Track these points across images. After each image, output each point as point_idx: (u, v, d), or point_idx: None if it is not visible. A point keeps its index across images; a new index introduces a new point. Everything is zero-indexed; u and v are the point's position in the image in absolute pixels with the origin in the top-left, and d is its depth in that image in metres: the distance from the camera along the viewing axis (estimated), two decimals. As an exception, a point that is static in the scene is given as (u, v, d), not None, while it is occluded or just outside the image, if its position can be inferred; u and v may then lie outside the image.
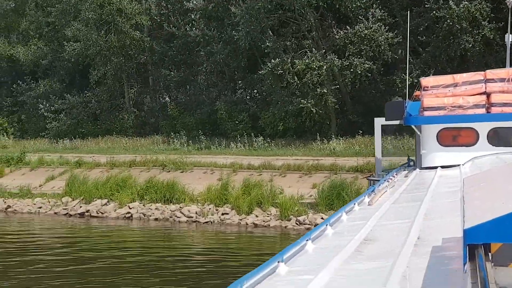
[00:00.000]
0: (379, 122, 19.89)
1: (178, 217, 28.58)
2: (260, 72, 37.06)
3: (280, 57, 35.40)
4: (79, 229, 28.51)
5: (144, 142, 41.67)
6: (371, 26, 34.24)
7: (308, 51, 35.66)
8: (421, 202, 9.32)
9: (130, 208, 30.02)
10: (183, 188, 30.13)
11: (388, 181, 13.08)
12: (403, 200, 10.52)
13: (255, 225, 26.74)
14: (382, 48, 34.59)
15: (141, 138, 42.74)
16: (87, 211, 30.56)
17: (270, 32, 37.27)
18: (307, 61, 34.81)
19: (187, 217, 28.37)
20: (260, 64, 38.64)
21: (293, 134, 37.93)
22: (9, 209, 32.45)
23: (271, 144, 36.36)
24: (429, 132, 16.12)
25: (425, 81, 16.44)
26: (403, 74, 31.25)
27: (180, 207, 29.21)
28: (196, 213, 28.48)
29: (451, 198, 9.49)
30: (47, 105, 46.51)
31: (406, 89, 19.51)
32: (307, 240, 6.88)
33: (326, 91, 35.35)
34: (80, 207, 31.05)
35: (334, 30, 36.12)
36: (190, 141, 38.65)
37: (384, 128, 20.80)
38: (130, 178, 32.23)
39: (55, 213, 31.20)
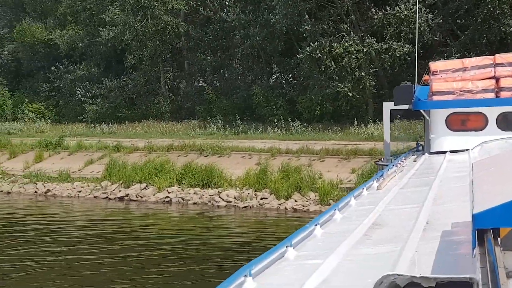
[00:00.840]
0: (388, 106, 19.84)
1: (216, 201, 28.65)
2: (298, 56, 36.87)
3: (318, 41, 35.19)
4: (118, 212, 28.74)
5: (180, 127, 41.81)
6: (411, 7, 33.80)
7: (345, 35, 35.42)
8: (430, 187, 9.29)
9: (169, 193, 30.15)
10: (221, 172, 30.15)
11: (396, 166, 13.13)
12: (412, 184, 10.52)
13: (294, 210, 26.70)
14: (422, 30, 34.19)
15: (177, 123, 42.87)
16: (127, 195, 30.79)
17: (306, 15, 37.06)
18: (345, 44, 34.58)
19: (226, 201, 28.43)
20: (296, 48, 38.48)
21: (330, 119, 37.75)
22: (48, 193, 32.80)
23: (308, 128, 36.23)
24: (438, 117, 16.08)
25: (434, 65, 16.37)
26: (441, 58, 30.91)
27: (218, 192, 29.26)
28: (234, 197, 28.53)
29: (460, 182, 9.45)
30: (84, 90, 46.90)
31: (415, 73, 19.31)
32: (316, 225, 6.92)
33: (363, 74, 35.13)
34: (120, 191, 31.28)
35: (372, 10, 35.70)
36: (227, 126, 38.66)
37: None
38: (168, 162, 32.36)
39: (95, 197, 31.50)
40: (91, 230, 24.40)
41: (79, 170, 34.73)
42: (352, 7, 36.21)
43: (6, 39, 57.71)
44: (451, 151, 14.88)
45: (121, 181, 31.96)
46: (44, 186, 33.33)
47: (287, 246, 5.82)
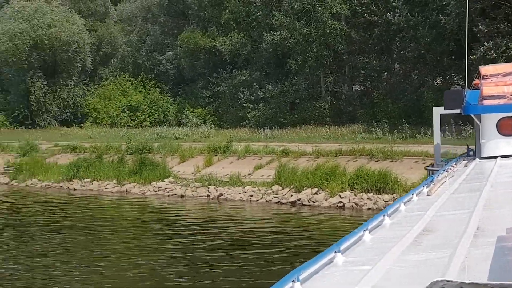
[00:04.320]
0: (437, 111, 19.23)
1: (392, 207, 28.03)
2: (471, 57, 35.63)
3: (493, 40, 33.85)
4: (290, 217, 28.86)
5: (343, 131, 41.52)
6: None
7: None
8: (481, 192, 9.06)
9: (341, 198, 29.89)
10: (395, 177, 29.58)
11: (447, 171, 12.77)
12: (462, 190, 10.27)
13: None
14: None
15: (339, 127, 42.65)
16: (298, 199, 30.82)
17: (478, 15, 35.75)
18: (521, 44, 33.11)
19: (402, 207, 27.75)
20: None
21: (505, 122, 36.15)
22: (221, 197, 33.46)
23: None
24: (489, 121, 15.51)
25: (484, 69, 16.03)
26: None
27: (394, 197, 28.56)
28: (411, 203, 27.80)
29: (511, 188, 9.33)
30: (248, 94, 47.68)
31: (465, 78, 18.89)
32: (364, 230, 6.86)
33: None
34: (291, 195, 31.37)
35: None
36: (394, 130, 37.84)
37: None
38: (339, 167, 32.13)
39: (267, 201, 31.76)
40: (270, 233, 24.66)
41: (248, 175, 35.17)
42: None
43: (167, 46, 59.83)
44: (502, 156, 14.60)
45: (291, 186, 32.06)
46: (216, 190, 34.00)
47: (335, 252, 5.84)
